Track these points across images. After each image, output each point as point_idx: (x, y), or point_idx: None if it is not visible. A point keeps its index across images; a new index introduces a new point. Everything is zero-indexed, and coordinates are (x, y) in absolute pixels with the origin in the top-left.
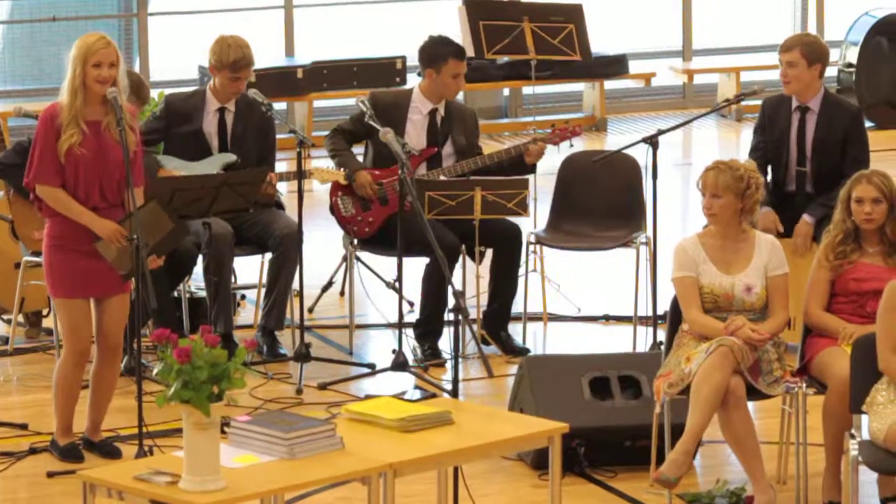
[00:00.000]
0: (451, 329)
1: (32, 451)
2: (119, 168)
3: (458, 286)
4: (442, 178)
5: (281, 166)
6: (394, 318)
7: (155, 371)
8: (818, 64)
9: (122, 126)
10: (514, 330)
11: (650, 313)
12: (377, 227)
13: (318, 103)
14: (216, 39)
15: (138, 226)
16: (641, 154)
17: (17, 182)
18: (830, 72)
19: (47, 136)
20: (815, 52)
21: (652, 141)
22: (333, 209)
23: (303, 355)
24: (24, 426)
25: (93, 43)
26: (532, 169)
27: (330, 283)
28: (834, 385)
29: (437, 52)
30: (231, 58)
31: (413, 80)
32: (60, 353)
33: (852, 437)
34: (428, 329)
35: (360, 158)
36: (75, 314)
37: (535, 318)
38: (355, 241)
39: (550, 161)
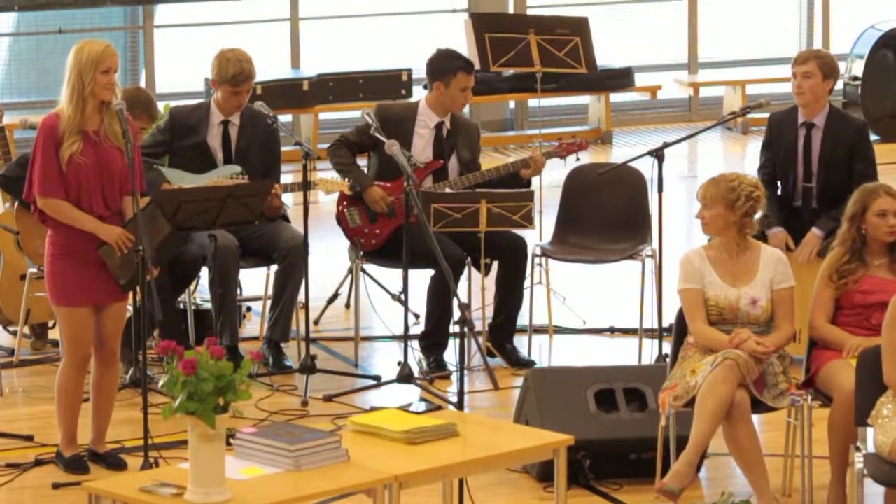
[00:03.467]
0: (457, 341)
1: (38, 462)
2: (120, 176)
3: (464, 298)
4: (447, 190)
5: (286, 178)
6: (399, 331)
7: (160, 383)
8: (831, 79)
9: (128, 137)
10: (520, 342)
11: (656, 326)
12: (383, 239)
13: (323, 115)
14: (217, 54)
15: (141, 233)
16: (647, 167)
17: (20, 194)
18: (836, 85)
19: (47, 147)
20: (829, 66)
21: (657, 154)
22: (340, 220)
23: (308, 367)
24: (29, 438)
25: (102, 50)
26: (528, 184)
27: (336, 295)
28: (839, 398)
29: (445, 65)
30: (230, 72)
31: (418, 93)
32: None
33: (857, 449)
34: (433, 341)
35: (364, 170)
36: (78, 323)
37: (540, 330)
38: (361, 254)
39: (556, 174)
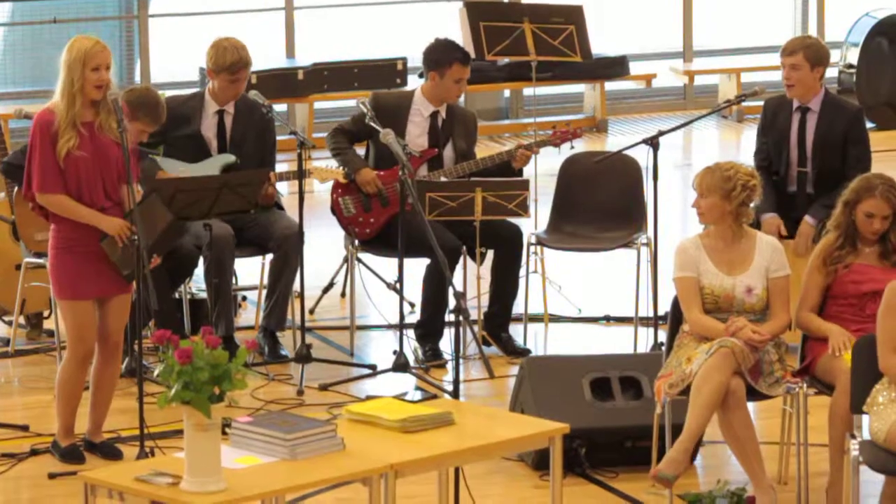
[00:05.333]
0: (452, 330)
1: (34, 452)
2: (118, 166)
3: (459, 287)
4: (443, 179)
5: (281, 167)
6: (395, 320)
7: (156, 372)
8: (820, 66)
9: (123, 128)
10: (515, 331)
11: (651, 314)
12: (378, 228)
13: (318, 105)
14: (212, 43)
15: (139, 223)
16: (642, 155)
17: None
18: (831, 73)
19: (44, 144)
20: (817, 54)
21: (653, 142)
22: (335, 209)
23: (304, 356)
24: (25, 427)
25: (91, 47)
26: (519, 174)
27: (331, 285)
28: (842, 384)
29: (442, 55)
30: (228, 60)
31: (413, 82)
32: (63, 354)
33: (853, 437)
34: (429, 330)
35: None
36: (82, 316)
37: (535, 318)
38: (356, 242)
39: (551, 162)
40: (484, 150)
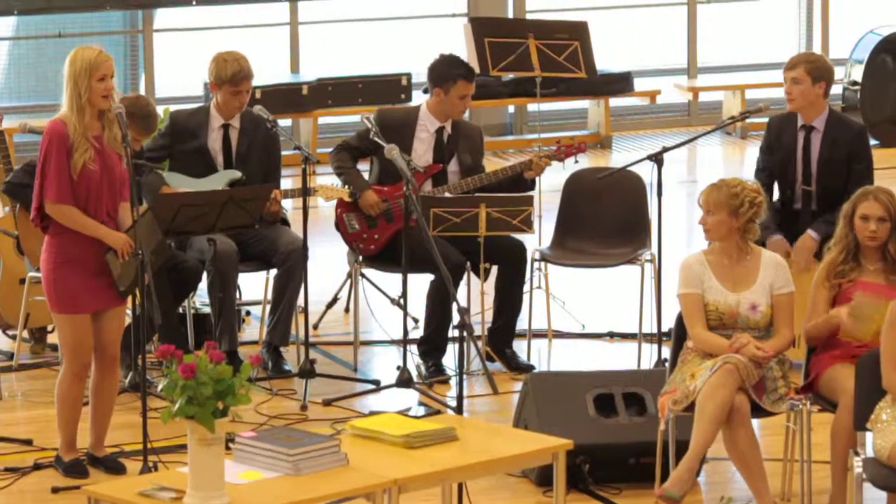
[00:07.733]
0: (456, 346)
1: (37, 466)
2: (119, 182)
3: (463, 303)
4: (447, 195)
5: (286, 183)
6: (398, 335)
7: (160, 387)
8: (822, 82)
9: (128, 142)
10: (519, 347)
11: (655, 330)
12: (382, 244)
13: (322, 120)
14: (213, 57)
15: (141, 240)
16: (646, 171)
17: (27, 201)
18: (835, 90)
19: (60, 154)
20: (819, 69)
21: (657, 158)
22: (339, 225)
23: (307, 371)
24: (28, 442)
25: (95, 57)
26: (532, 185)
27: (335, 300)
28: (845, 402)
29: (446, 72)
30: (230, 72)
31: (418, 97)
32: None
33: (856, 454)
34: (432, 346)
35: (366, 175)
36: (78, 329)
37: (539, 334)
38: (360, 258)
39: (555, 178)
40: (488, 165)
